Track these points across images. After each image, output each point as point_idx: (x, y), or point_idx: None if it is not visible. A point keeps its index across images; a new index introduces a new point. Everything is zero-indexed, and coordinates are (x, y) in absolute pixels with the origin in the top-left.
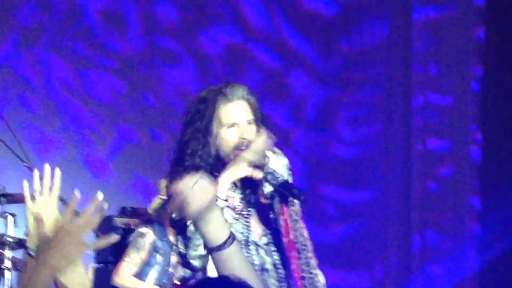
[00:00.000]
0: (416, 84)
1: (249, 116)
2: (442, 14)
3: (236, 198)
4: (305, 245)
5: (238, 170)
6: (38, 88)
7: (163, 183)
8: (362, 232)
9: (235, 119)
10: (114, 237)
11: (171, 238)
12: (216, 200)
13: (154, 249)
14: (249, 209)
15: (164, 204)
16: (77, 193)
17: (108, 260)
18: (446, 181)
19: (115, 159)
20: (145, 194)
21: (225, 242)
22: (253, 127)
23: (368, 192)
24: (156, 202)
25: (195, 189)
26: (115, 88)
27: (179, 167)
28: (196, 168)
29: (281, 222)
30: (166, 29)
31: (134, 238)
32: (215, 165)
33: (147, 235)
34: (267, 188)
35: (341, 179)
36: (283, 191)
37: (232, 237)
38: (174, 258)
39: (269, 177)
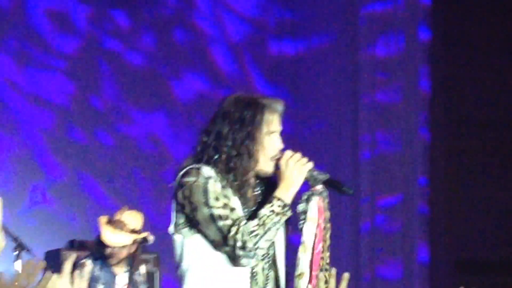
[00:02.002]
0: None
1: (281, 128)
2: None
3: None
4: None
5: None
6: None
7: (102, 218)
8: None
9: (277, 128)
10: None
11: (117, 270)
12: None
13: (94, 279)
14: None
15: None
16: None
17: None
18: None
19: (66, 159)
20: (94, 196)
21: None
22: None
23: None
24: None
25: None
26: (64, 88)
27: (218, 167)
28: (245, 170)
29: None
30: (136, 73)
31: (75, 269)
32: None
33: (86, 266)
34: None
35: None
36: (332, 186)
37: None
38: None
39: (315, 173)
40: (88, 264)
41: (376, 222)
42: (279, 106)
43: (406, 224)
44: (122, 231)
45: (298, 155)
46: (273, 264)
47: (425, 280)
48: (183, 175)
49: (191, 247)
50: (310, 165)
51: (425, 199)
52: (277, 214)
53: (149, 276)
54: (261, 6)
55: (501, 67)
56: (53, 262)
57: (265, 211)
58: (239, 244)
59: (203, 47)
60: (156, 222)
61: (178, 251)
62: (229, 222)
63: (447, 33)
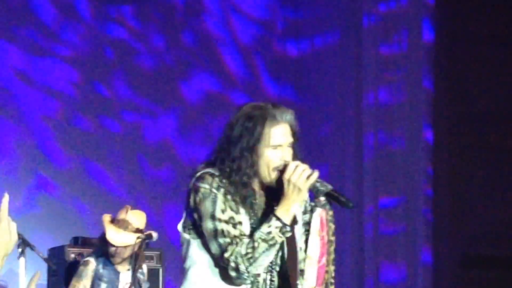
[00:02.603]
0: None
1: (291, 139)
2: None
3: None
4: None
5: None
6: None
7: (106, 217)
8: None
9: (281, 141)
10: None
11: (120, 268)
12: None
13: (98, 277)
14: None
15: (104, 235)
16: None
17: None
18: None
19: (70, 145)
20: (99, 180)
21: None
22: (291, 150)
23: None
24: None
25: None
26: (69, 77)
27: (222, 177)
28: (244, 185)
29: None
30: (145, 74)
31: (78, 267)
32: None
33: (89, 264)
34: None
35: None
36: (332, 199)
37: None
38: (121, 286)
39: (318, 185)
40: (92, 263)
41: (379, 224)
42: (286, 116)
43: (409, 225)
44: (126, 230)
45: (301, 167)
46: (279, 273)
47: (428, 282)
48: (197, 179)
49: (195, 248)
50: (315, 176)
51: (429, 200)
52: (273, 237)
53: (153, 272)
54: (269, 7)
55: (505, 65)
56: (57, 259)
57: (261, 232)
58: (232, 265)
59: (211, 48)
60: (160, 217)
61: (184, 248)
62: (228, 240)
63: (450, 32)
